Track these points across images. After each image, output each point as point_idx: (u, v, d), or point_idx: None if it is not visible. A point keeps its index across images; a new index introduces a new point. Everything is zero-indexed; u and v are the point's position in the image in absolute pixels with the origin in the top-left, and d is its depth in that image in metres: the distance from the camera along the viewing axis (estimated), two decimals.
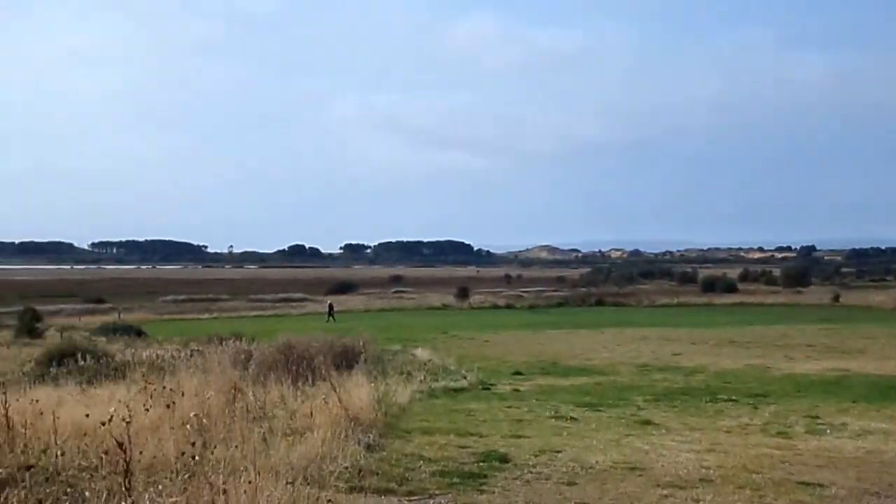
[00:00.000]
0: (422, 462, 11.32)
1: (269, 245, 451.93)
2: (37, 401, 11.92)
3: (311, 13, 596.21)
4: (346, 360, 22.52)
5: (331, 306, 66.26)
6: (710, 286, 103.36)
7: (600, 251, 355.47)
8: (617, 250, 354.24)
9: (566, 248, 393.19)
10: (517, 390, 21.58)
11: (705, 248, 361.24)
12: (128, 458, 7.54)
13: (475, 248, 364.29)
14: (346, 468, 10.13)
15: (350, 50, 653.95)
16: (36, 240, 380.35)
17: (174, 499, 7.28)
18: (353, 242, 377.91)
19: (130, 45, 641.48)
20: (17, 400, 11.39)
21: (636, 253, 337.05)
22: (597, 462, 11.56)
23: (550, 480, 10.46)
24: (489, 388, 21.92)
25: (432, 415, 16.59)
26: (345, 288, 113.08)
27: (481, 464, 11.39)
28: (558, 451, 12.41)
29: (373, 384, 16.94)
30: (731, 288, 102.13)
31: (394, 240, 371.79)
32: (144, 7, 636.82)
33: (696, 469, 11.12)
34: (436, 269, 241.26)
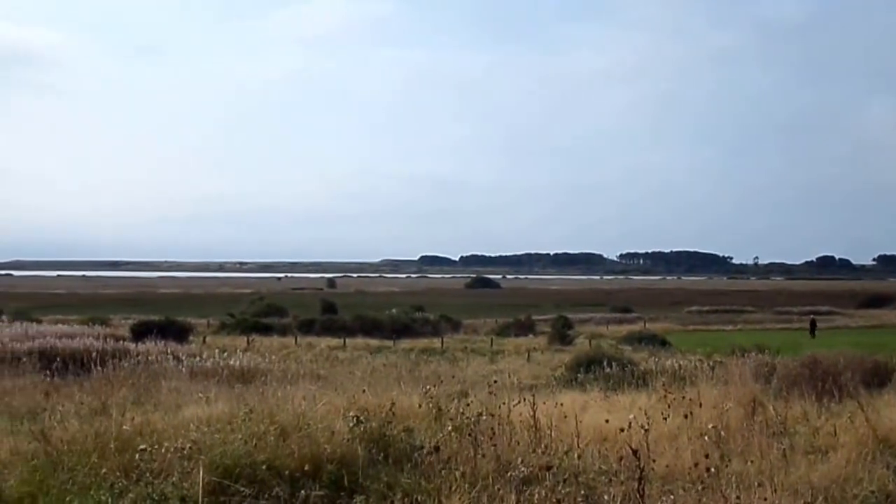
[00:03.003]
0: None
1: (796, 256, 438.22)
2: (562, 404, 12.48)
3: (839, 17, 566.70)
4: (877, 377, 21.07)
5: (813, 322, 62.79)
6: None
7: None
8: None
9: None
10: None
11: None
12: (643, 466, 7.62)
13: None
14: (872, 492, 9.38)
15: (883, 51, 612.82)
16: (569, 251, 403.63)
17: None
18: (890, 254, 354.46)
19: (649, 60, 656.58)
20: (545, 403, 11.96)
21: None
22: None
23: None
24: None
25: None
26: (878, 301, 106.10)
27: None
28: None
29: None
30: None
31: None
32: (667, 22, 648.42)
33: None
34: None
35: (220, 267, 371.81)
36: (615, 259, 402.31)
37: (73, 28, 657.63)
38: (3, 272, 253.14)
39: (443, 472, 8.35)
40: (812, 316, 69.93)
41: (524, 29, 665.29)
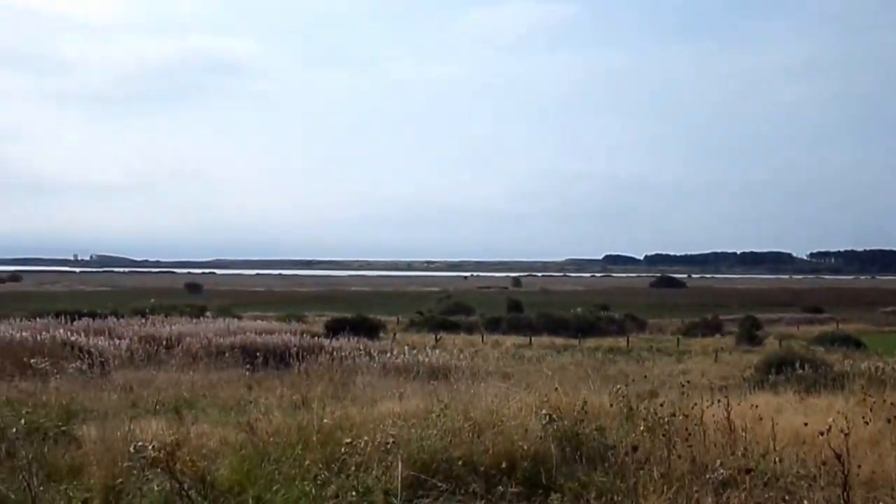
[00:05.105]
0: None
1: None
2: (756, 406, 12.24)
3: None
4: None
5: None
6: None
7: None
8: None
9: None
10: None
11: None
12: (846, 471, 7.45)
13: None
14: None
15: None
16: (756, 250, 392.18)
17: None
18: None
19: (827, 56, 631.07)
20: (738, 404, 11.76)
21: None
22: None
23: None
24: None
25: None
26: None
27: None
28: None
29: None
30: None
31: None
32: (856, 19, 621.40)
33: None
34: None
35: (409, 266, 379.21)
36: (805, 258, 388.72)
37: (272, 38, 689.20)
38: (206, 271, 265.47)
39: (639, 472, 8.35)
40: None
41: (703, 26, 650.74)
